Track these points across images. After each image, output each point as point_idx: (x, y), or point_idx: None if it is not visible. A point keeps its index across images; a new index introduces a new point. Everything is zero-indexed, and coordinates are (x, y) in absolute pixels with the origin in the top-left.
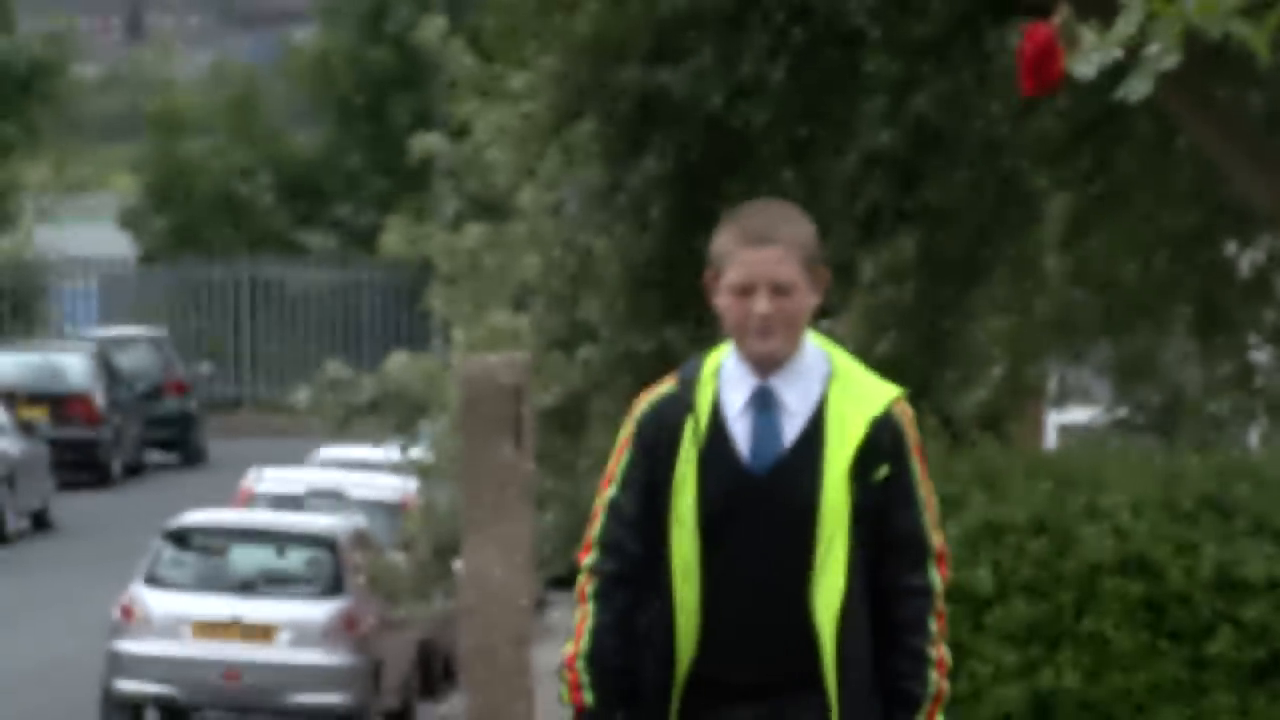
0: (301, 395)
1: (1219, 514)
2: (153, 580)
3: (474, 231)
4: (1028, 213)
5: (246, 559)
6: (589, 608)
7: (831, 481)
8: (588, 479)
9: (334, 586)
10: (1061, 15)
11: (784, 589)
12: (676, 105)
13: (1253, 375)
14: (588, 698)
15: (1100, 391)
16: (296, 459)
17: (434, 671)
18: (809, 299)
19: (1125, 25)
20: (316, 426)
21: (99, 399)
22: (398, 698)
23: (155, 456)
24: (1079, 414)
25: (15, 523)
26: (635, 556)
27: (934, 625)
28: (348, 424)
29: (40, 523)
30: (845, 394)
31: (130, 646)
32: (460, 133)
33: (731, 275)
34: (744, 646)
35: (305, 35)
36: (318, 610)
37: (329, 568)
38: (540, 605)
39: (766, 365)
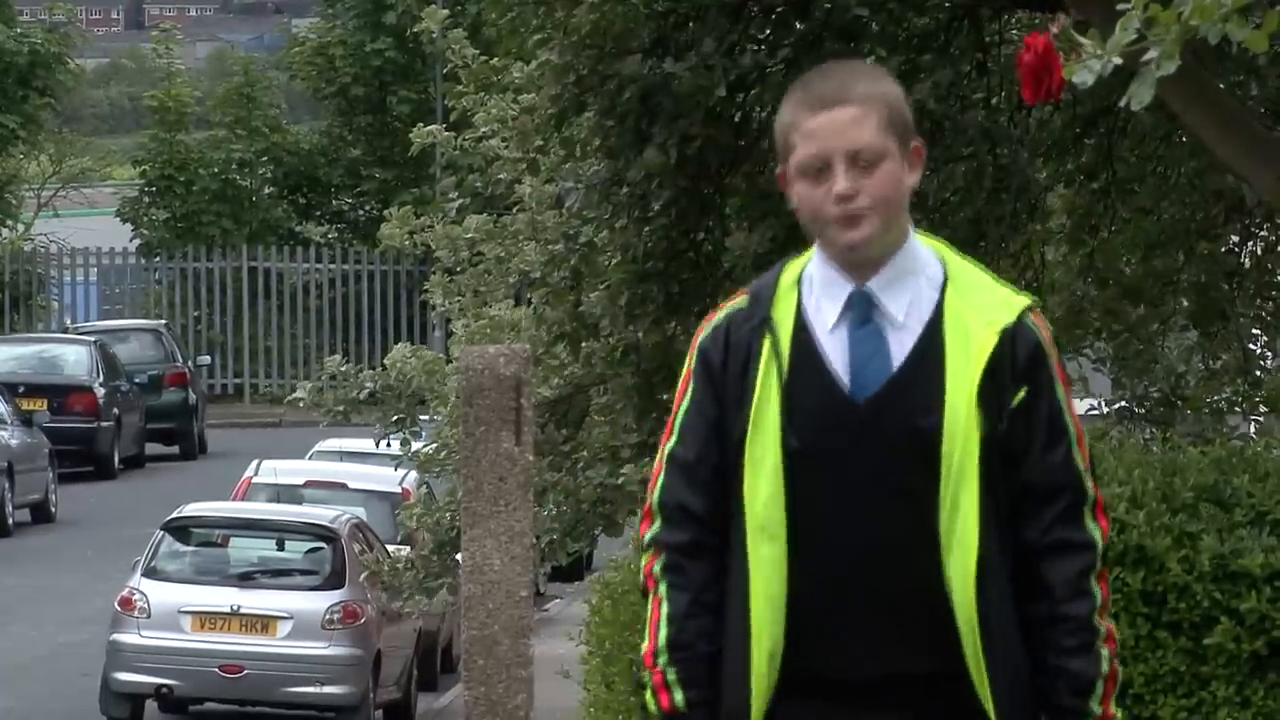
0: (301, 391)
1: (1218, 506)
2: (152, 572)
3: (474, 223)
4: (1028, 205)
5: (246, 551)
6: (661, 590)
7: (955, 408)
8: (587, 471)
9: (334, 578)
10: (1060, 25)
11: (906, 546)
12: (678, 97)
13: (1253, 367)
14: (678, 698)
15: (1099, 383)
16: (296, 451)
17: (433, 663)
18: (905, 175)
19: (1124, 34)
20: (316, 418)
21: (99, 391)
22: (397, 690)
23: (155, 448)
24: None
25: (15, 514)
26: (708, 518)
27: (1098, 590)
28: (347, 418)
29: (40, 514)
30: (966, 302)
31: (129, 638)
32: (460, 125)
33: (799, 152)
34: (851, 628)
35: (305, 26)
36: (317, 602)
37: (329, 560)
38: (540, 597)
39: (861, 265)
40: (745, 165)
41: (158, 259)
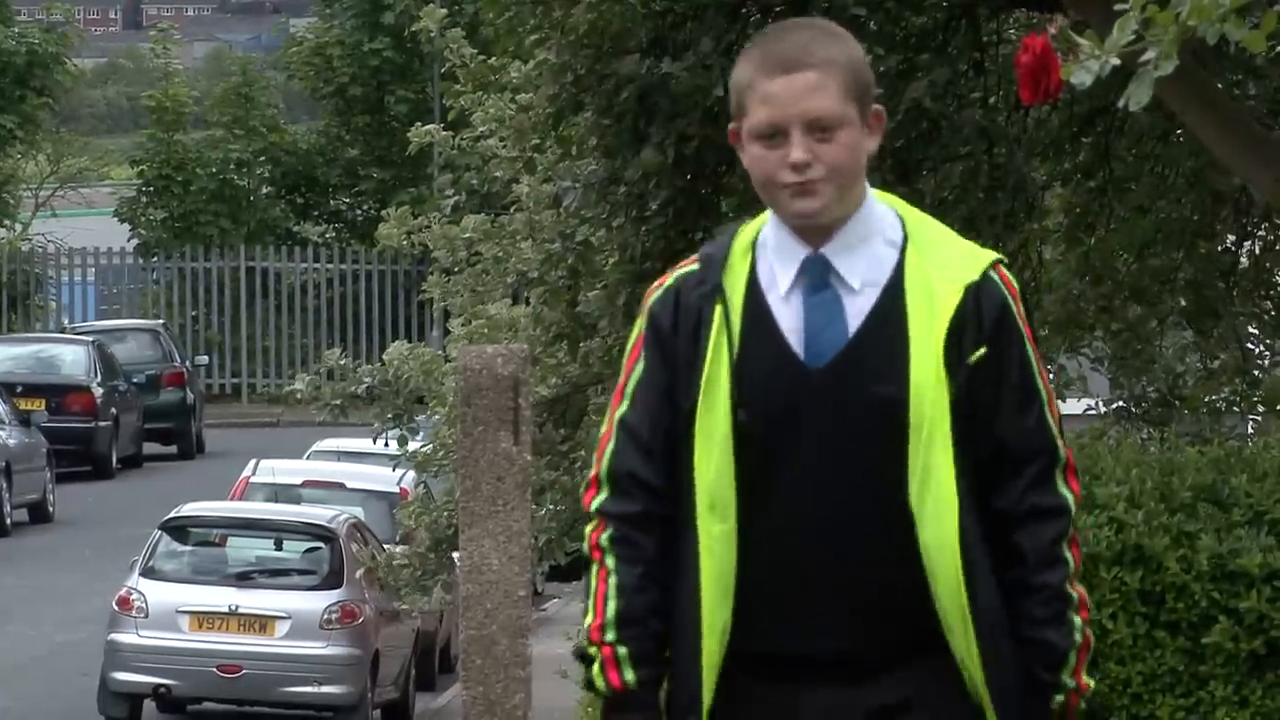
0: (299, 384)
1: (1216, 505)
2: (150, 572)
3: (471, 223)
4: (1025, 204)
5: (244, 550)
6: (608, 562)
7: (920, 368)
8: (585, 470)
9: (332, 578)
10: (1058, 25)
11: (868, 521)
12: (676, 97)
13: (1251, 367)
14: (628, 675)
15: (1097, 383)
16: (294, 451)
17: (431, 663)
18: (864, 141)
19: (1121, 34)
20: (314, 418)
21: (96, 391)
22: (395, 690)
23: (153, 448)
24: (1075, 405)
25: (13, 514)
26: (656, 489)
27: (1070, 556)
28: (345, 413)
29: (38, 514)
30: (928, 259)
31: (127, 638)
32: (458, 124)
33: (754, 116)
34: (811, 605)
35: (303, 26)
36: (315, 602)
37: (327, 559)
38: (538, 596)
39: (814, 232)
40: (742, 164)
41: (155, 259)
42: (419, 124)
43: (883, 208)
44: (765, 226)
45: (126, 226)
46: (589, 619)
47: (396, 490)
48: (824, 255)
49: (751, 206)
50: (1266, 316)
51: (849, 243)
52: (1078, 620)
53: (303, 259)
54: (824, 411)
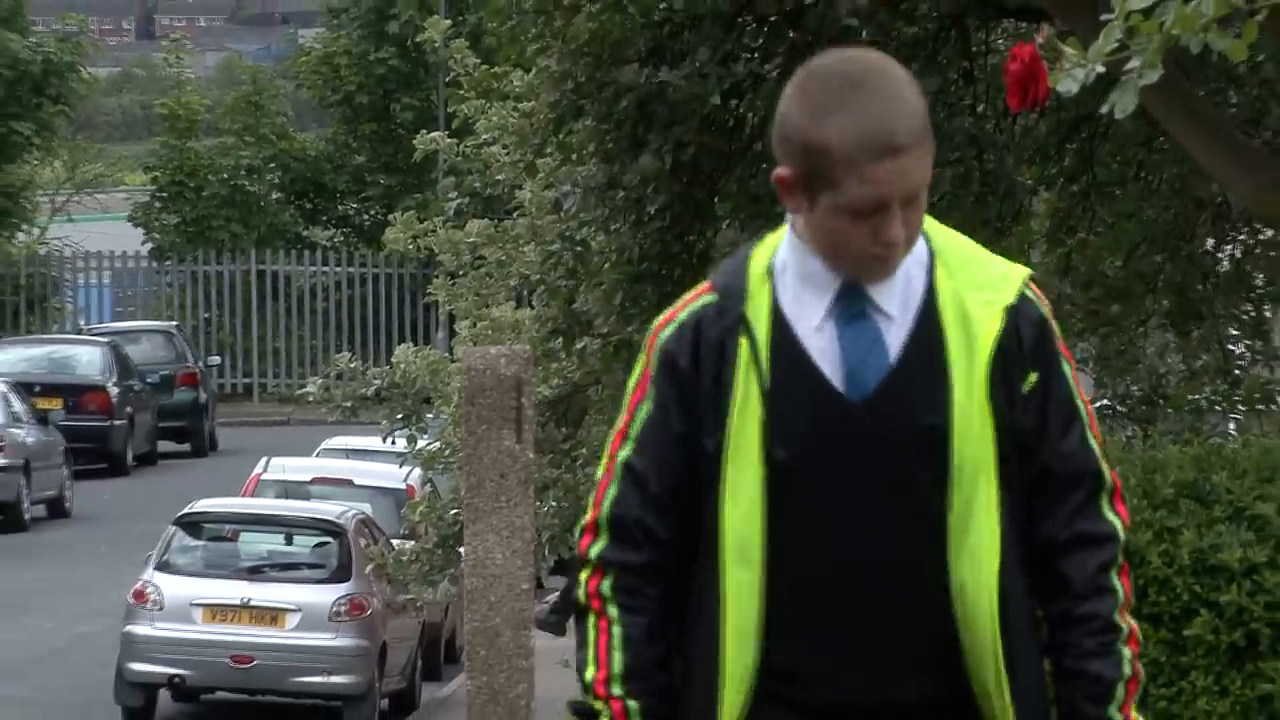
0: (311, 386)
1: (1198, 501)
2: (164, 566)
3: (475, 227)
4: (1014, 209)
5: (255, 545)
6: (611, 612)
7: (964, 399)
8: (586, 468)
9: (340, 572)
10: (1045, 35)
11: (910, 560)
12: (673, 105)
13: (1232, 367)
14: None
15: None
16: (304, 449)
17: (437, 654)
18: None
19: (1106, 43)
20: (324, 416)
21: (112, 390)
22: (402, 680)
23: (167, 446)
24: None
25: (31, 510)
26: (662, 539)
27: (1120, 585)
28: (355, 414)
29: (56, 510)
30: (960, 280)
31: (143, 630)
32: (462, 131)
33: (852, 193)
34: (840, 653)
35: (311, 36)
36: (325, 595)
37: (336, 554)
38: (541, 589)
39: None
40: (738, 170)
41: (169, 262)
42: (424, 131)
43: None
44: (779, 251)
45: (141, 231)
46: (591, 672)
47: (403, 487)
48: (860, 284)
49: (745, 210)
50: (1246, 318)
51: None
52: (1127, 652)
53: (312, 262)
54: (867, 446)
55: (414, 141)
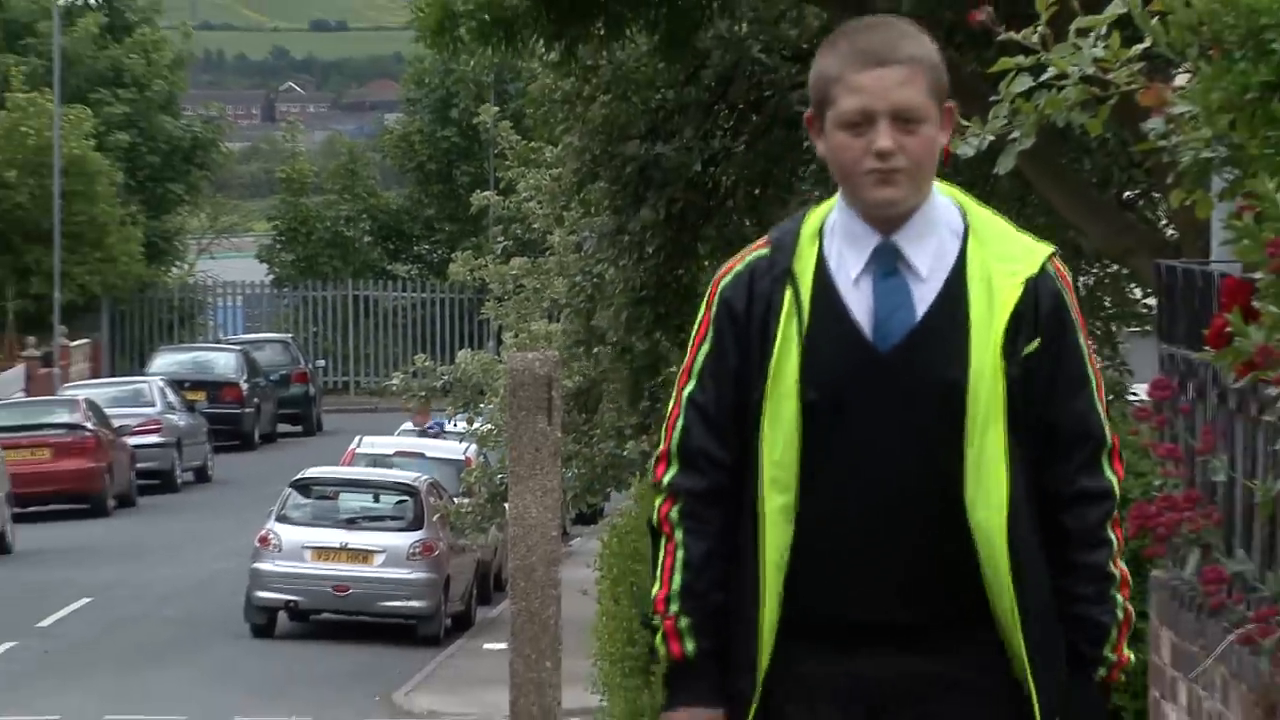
0: (395, 381)
1: None
2: (283, 518)
3: (517, 264)
4: None
5: (351, 502)
6: (677, 536)
7: (980, 357)
8: (600, 444)
9: (415, 522)
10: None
11: (925, 498)
12: (666, 171)
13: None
14: (689, 646)
15: None
16: (388, 429)
17: (488, 584)
18: (939, 136)
19: (995, 119)
20: (403, 405)
21: (243, 386)
22: (461, 604)
23: (285, 428)
24: None
25: (183, 476)
26: (725, 464)
27: (1114, 536)
28: (428, 402)
29: (201, 476)
30: (988, 251)
31: (266, 566)
32: (507, 191)
33: (843, 104)
34: (864, 575)
35: (393, 119)
36: (403, 540)
37: (412, 508)
38: (566, 535)
39: (887, 219)
40: (715, 220)
41: (286, 289)
42: (478, 191)
43: (945, 199)
44: (832, 213)
45: (265, 266)
46: (656, 589)
47: (463, 459)
48: (894, 242)
49: (722, 250)
50: (1099, 333)
51: (918, 232)
52: (1119, 598)
53: (393, 289)
54: (890, 392)
55: (470, 198)
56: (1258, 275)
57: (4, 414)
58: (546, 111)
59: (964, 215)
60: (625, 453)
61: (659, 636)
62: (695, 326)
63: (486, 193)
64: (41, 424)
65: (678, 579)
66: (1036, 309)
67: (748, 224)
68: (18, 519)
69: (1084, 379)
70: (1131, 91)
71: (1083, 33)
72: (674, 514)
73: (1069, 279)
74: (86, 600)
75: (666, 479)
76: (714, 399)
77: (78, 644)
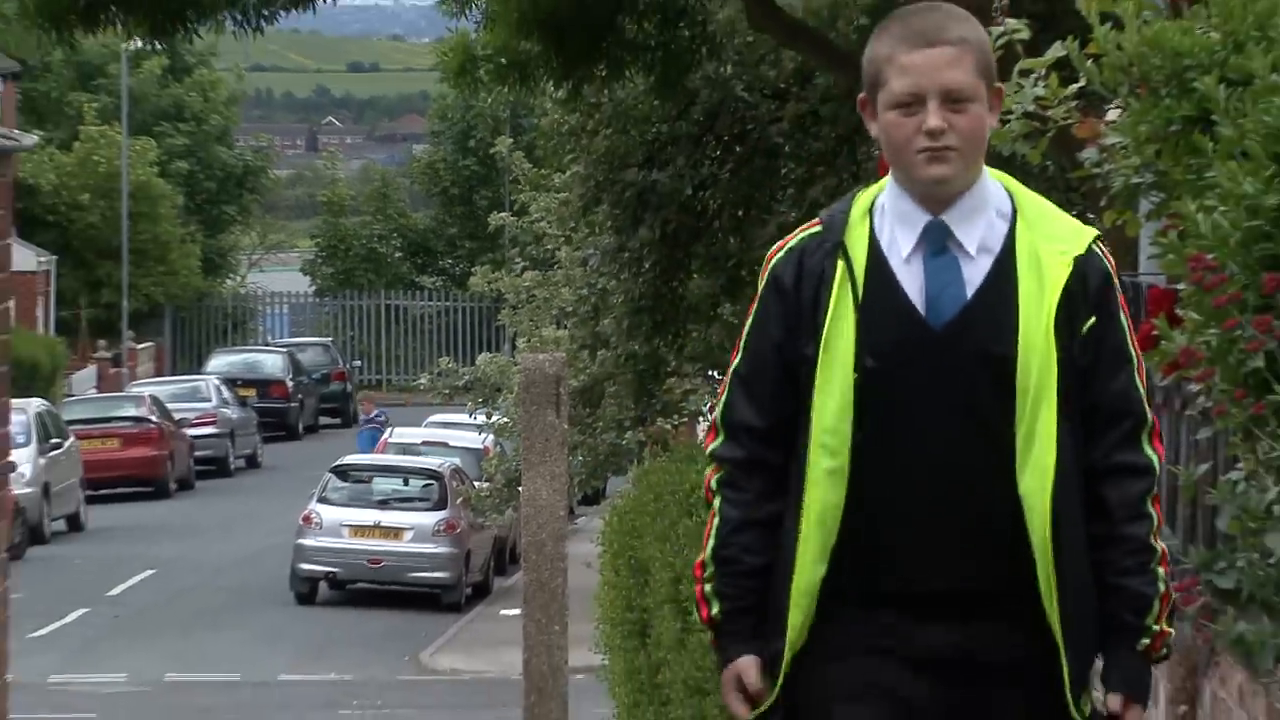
0: (423, 380)
1: None
2: (323, 499)
3: (530, 276)
4: None
5: (383, 485)
6: (716, 503)
7: (1031, 333)
8: (602, 435)
9: (440, 503)
10: None
11: (975, 468)
12: (661, 195)
13: None
14: (714, 609)
15: None
16: (416, 421)
17: (504, 558)
18: (987, 116)
19: None
20: (429, 400)
21: (289, 383)
22: (480, 574)
23: (325, 420)
24: None
25: (235, 462)
26: (764, 434)
27: (1154, 512)
28: (452, 398)
29: (251, 463)
30: (1036, 232)
31: (309, 542)
32: (521, 212)
33: (894, 85)
34: (912, 543)
35: (420, 150)
36: (429, 519)
37: (437, 491)
38: (572, 515)
39: (938, 198)
40: (704, 239)
41: (326, 299)
42: (495, 212)
43: (994, 182)
44: (882, 194)
45: (308, 278)
46: (698, 555)
47: (482, 447)
48: (944, 222)
49: (708, 266)
50: None
51: (967, 211)
52: (1160, 571)
53: (420, 299)
54: (943, 366)
55: (489, 219)
56: (1181, 286)
57: (78, 408)
58: (555, 143)
59: (1012, 197)
60: (624, 442)
61: (694, 603)
62: (750, 304)
63: (503, 214)
64: (111, 417)
65: (711, 544)
66: (1085, 287)
67: (733, 242)
68: (90, 501)
69: (1127, 358)
70: (1069, 125)
71: (1025, 74)
72: (715, 482)
73: (1113, 261)
74: (150, 572)
75: (711, 449)
76: (756, 372)
77: (143, 610)
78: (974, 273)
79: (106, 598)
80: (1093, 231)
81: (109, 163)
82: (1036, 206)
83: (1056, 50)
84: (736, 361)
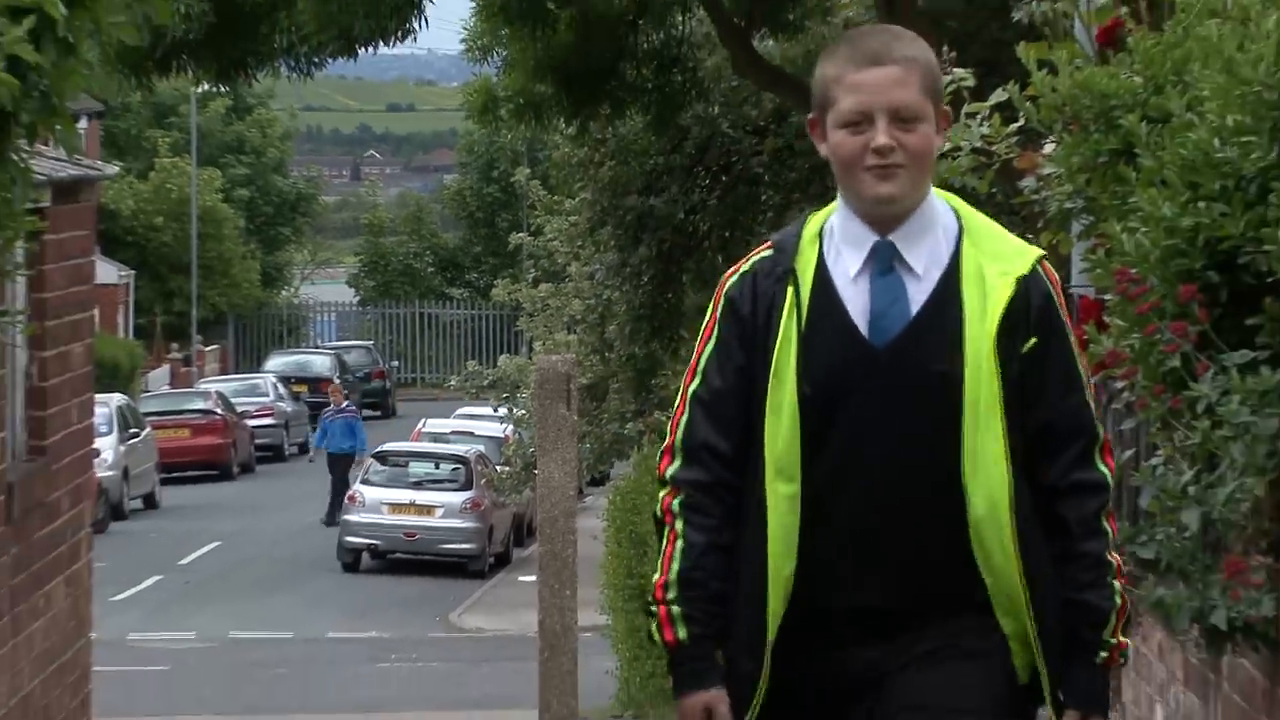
0: (453, 381)
1: None
2: (366, 481)
3: (544, 288)
4: None
5: (418, 469)
6: (678, 526)
7: (975, 351)
8: (607, 425)
9: (466, 484)
10: None
11: (921, 488)
12: (657, 218)
13: None
14: (681, 633)
15: None
16: (446, 414)
17: (522, 531)
18: (935, 136)
19: None
20: (458, 396)
21: (336, 380)
22: (501, 546)
23: (367, 412)
24: None
25: (290, 449)
26: (727, 457)
27: (1109, 527)
28: (478, 395)
29: (303, 449)
30: (981, 251)
31: (353, 518)
32: (536, 233)
33: (843, 104)
34: (864, 563)
35: (450, 179)
36: (457, 498)
37: (464, 474)
38: (581, 494)
39: (885, 218)
40: (695, 257)
41: (369, 308)
42: (514, 233)
43: (941, 202)
44: (832, 216)
45: (352, 289)
46: (656, 576)
47: (503, 436)
48: (892, 242)
49: (699, 281)
50: None
51: (915, 231)
52: (1116, 584)
53: (450, 308)
54: (886, 386)
55: (509, 239)
56: (1108, 296)
57: (154, 402)
58: (566, 173)
59: (959, 217)
60: (626, 432)
61: (654, 624)
62: (701, 328)
63: (521, 234)
64: (182, 410)
65: (675, 567)
66: (1028, 307)
67: (720, 259)
68: (163, 482)
69: (1074, 376)
70: (1011, 158)
71: (972, 115)
72: (675, 505)
73: (1057, 280)
74: (216, 544)
75: (669, 472)
76: (717, 394)
77: (209, 577)
78: (919, 292)
79: (178, 566)
80: (1037, 251)
81: (180, 190)
82: (983, 227)
83: (999, 94)
84: (695, 384)
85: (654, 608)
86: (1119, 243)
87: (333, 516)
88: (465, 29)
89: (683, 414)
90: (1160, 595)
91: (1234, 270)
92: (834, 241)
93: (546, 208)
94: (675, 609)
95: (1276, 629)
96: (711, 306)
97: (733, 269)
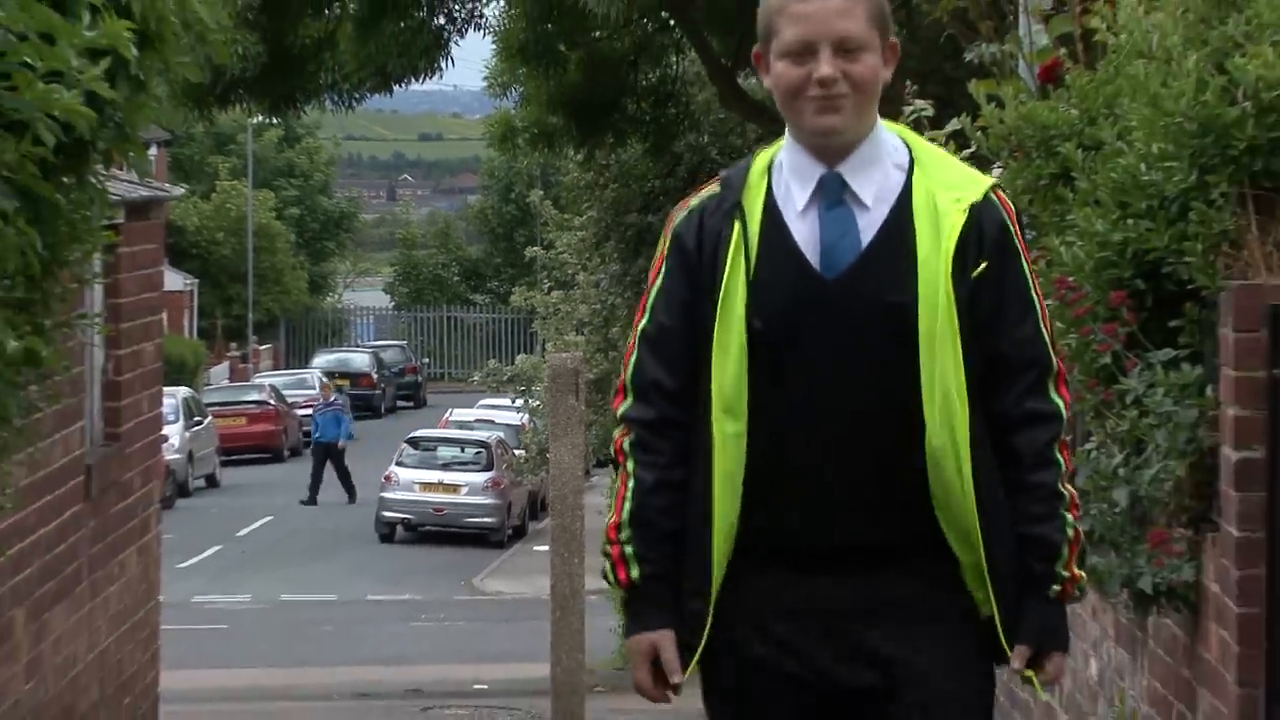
0: (477, 375)
1: None
2: (400, 462)
3: (556, 295)
4: None
5: (446, 452)
6: (629, 466)
7: (929, 281)
8: (611, 415)
9: (488, 466)
10: None
11: (878, 421)
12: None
13: None
14: (634, 572)
15: None
16: (470, 405)
17: (536, 507)
18: (882, 68)
19: None
20: (480, 389)
21: (374, 375)
22: (518, 520)
23: (401, 403)
24: None
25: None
26: (675, 395)
27: (1062, 458)
28: (499, 389)
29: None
30: (932, 180)
31: (389, 495)
32: (549, 246)
33: (785, 34)
34: (817, 499)
35: (473, 200)
36: (480, 477)
37: (486, 457)
38: (588, 475)
39: (832, 150)
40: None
41: (403, 312)
42: (530, 247)
43: (890, 134)
44: (780, 151)
45: (388, 296)
46: (608, 517)
47: (520, 424)
48: (839, 173)
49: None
50: None
51: (862, 162)
52: (1069, 517)
53: (474, 312)
54: (838, 319)
55: (525, 252)
56: (1048, 302)
57: (215, 394)
58: (575, 194)
59: (910, 149)
60: None
61: (609, 564)
62: (652, 264)
63: (535, 248)
64: (240, 400)
65: (627, 507)
66: (981, 234)
67: None
68: (223, 464)
69: (1029, 305)
70: None
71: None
72: (627, 444)
73: (1013, 209)
74: (269, 518)
75: (621, 410)
76: (665, 332)
77: (263, 547)
78: (869, 223)
79: (235, 537)
80: (990, 180)
81: (238, 209)
82: (935, 157)
83: (954, 124)
84: (644, 322)
85: (608, 548)
86: (1058, 255)
87: (313, 497)
88: (487, 68)
89: (633, 352)
90: (1094, 564)
91: (1159, 279)
92: (782, 176)
93: (558, 224)
94: (628, 549)
95: (1196, 592)
96: (660, 244)
97: (680, 204)
